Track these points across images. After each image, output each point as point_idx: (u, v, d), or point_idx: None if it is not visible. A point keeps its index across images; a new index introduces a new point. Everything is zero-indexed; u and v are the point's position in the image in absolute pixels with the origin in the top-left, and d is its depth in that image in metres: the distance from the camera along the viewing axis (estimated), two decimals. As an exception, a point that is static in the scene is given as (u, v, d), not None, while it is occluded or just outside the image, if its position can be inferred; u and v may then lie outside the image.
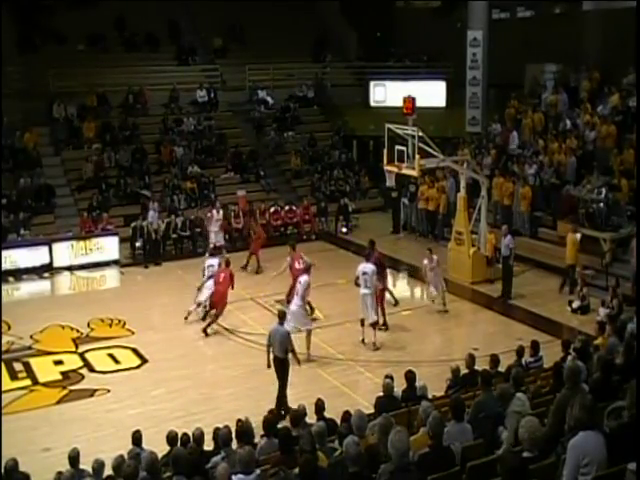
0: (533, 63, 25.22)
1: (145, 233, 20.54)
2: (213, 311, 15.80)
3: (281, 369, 11.98)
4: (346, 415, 8.48)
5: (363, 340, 14.80)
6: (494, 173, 21.03)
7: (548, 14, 27.36)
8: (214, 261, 16.44)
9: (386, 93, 27.64)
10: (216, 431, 8.58)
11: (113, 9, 26.57)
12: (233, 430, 8.32)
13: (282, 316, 12.44)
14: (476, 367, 10.46)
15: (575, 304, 16.08)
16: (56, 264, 19.82)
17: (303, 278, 14.55)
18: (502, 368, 10.66)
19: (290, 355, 12.15)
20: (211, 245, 20.44)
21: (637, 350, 7.72)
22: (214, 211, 20.95)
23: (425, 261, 16.72)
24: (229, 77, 27.91)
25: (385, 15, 29.61)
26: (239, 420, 8.71)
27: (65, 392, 13.20)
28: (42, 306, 17.54)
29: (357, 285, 14.89)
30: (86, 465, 8.09)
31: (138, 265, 20.46)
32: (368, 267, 14.75)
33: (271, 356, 12.08)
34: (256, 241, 20.12)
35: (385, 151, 17.98)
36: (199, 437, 8.51)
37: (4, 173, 21.92)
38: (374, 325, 14.73)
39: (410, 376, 10.09)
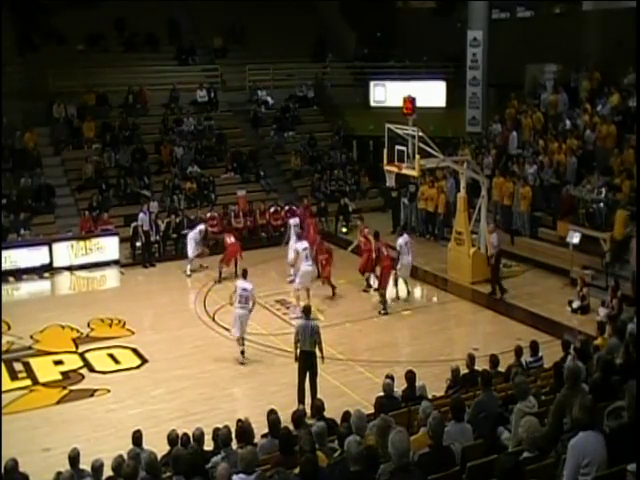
0: (533, 63, 25.22)
1: (139, 235, 20.51)
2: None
3: (310, 362, 12.10)
4: (346, 415, 8.48)
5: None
6: (494, 173, 21.02)
7: (548, 14, 27.40)
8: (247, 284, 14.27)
9: (386, 93, 27.64)
10: (216, 431, 8.58)
11: (113, 9, 26.54)
12: (233, 430, 8.32)
13: (308, 311, 12.50)
14: (476, 367, 10.46)
15: (575, 304, 16.08)
16: (56, 264, 19.81)
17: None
18: (502, 368, 10.67)
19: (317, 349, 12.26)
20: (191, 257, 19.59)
21: (637, 350, 7.72)
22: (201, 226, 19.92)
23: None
24: (229, 77, 27.90)
25: (385, 15, 29.60)
26: (239, 420, 8.71)
27: (65, 392, 13.20)
28: (42, 306, 17.54)
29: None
30: (86, 465, 8.09)
31: (138, 265, 20.44)
32: (406, 238, 17.36)
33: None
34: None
35: (385, 151, 17.98)
36: (199, 437, 8.51)
37: (4, 173, 21.92)
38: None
39: (410, 376, 10.10)
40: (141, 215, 20.39)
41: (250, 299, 13.87)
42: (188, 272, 19.52)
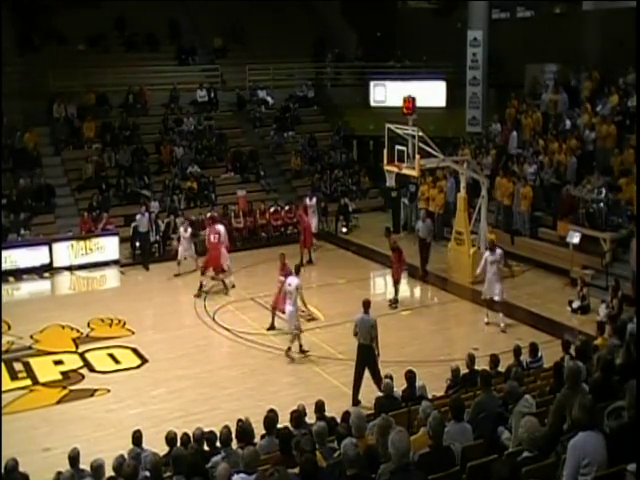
0: (533, 63, 25.22)
1: (135, 236, 20.45)
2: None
3: (367, 356, 12.25)
4: (346, 415, 8.48)
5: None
6: (494, 173, 21.03)
7: (548, 14, 27.30)
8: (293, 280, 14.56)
9: (386, 93, 27.62)
10: (206, 434, 8.57)
11: (113, 9, 26.56)
12: (233, 430, 8.32)
13: (367, 305, 12.65)
14: (476, 367, 10.46)
15: (575, 304, 16.09)
16: (56, 264, 19.81)
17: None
18: (502, 368, 10.67)
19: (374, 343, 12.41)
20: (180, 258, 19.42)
21: (637, 350, 7.72)
22: (181, 228, 19.64)
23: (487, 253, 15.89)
24: (229, 77, 27.90)
25: (385, 15, 29.58)
26: (239, 420, 8.70)
27: (65, 392, 13.21)
28: (42, 306, 17.54)
29: None
30: (86, 465, 8.09)
31: (138, 265, 20.42)
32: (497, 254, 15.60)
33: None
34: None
35: (385, 151, 17.99)
36: (199, 437, 8.52)
37: (4, 173, 21.92)
38: None
39: (410, 376, 10.11)
40: (138, 216, 20.29)
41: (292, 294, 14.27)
42: (177, 272, 19.33)
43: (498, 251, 15.72)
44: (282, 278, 15.18)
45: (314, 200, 22.13)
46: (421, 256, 19.15)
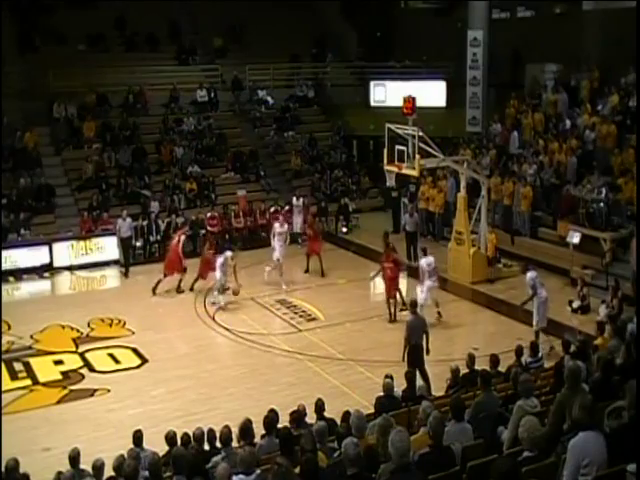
0: (533, 63, 25.23)
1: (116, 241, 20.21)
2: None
3: (419, 356, 12.48)
4: (346, 415, 8.47)
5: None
6: (494, 173, 21.03)
7: (548, 14, 27.36)
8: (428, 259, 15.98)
9: (386, 93, 27.64)
10: (207, 433, 8.57)
11: (113, 9, 26.60)
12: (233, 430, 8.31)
13: (415, 305, 13.02)
14: (476, 367, 10.46)
15: (575, 304, 16.09)
16: (56, 264, 19.82)
17: None
18: (502, 368, 10.68)
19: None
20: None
21: (637, 350, 7.72)
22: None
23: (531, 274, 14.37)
24: (229, 77, 27.91)
25: (385, 15, 29.62)
26: (248, 420, 8.67)
27: (65, 392, 13.22)
28: (42, 306, 17.54)
29: None
30: (86, 465, 8.09)
31: (138, 265, 20.38)
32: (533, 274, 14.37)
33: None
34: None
35: (385, 151, 18.00)
36: (199, 437, 8.51)
37: (4, 173, 21.91)
38: None
39: (410, 376, 10.11)
40: (119, 221, 19.86)
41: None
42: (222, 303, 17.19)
43: (528, 274, 14.37)
44: (388, 264, 16.13)
45: (301, 200, 22.25)
46: (412, 250, 19.44)
